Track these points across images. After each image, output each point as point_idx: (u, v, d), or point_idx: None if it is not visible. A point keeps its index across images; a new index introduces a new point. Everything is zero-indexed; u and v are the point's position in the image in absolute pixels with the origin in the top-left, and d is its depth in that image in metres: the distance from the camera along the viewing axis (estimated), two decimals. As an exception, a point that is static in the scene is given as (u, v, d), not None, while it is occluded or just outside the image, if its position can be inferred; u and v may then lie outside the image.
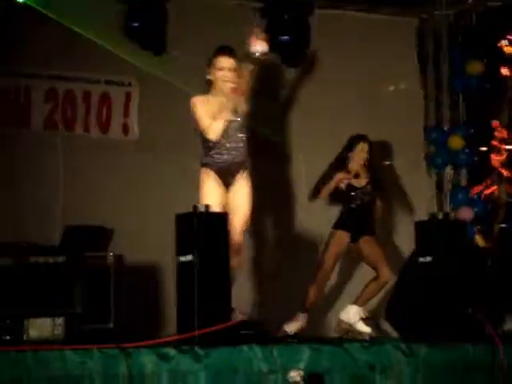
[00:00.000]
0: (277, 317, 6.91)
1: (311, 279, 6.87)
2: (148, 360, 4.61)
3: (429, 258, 5.31)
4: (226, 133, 5.70)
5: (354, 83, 8.39)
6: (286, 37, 7.99)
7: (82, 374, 4.53)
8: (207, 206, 5.07)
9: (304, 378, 4.52)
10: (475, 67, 8.52)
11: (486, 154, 8.56)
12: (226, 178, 5.77)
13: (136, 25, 7.56)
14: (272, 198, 7.72)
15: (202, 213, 5.05)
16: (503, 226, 8.31)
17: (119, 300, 5.96)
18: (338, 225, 6.89)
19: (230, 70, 5.68)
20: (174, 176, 7.43)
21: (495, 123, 8.50)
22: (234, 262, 5.65)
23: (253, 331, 5.15)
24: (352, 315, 6.58)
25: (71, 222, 6.45)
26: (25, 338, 4.92)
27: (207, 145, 5.74)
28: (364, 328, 6.50)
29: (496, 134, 8.54)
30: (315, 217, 7.86)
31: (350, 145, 7.08)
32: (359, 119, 8.25)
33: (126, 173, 7.49)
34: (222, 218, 5.08)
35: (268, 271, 7.83)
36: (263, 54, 5.71)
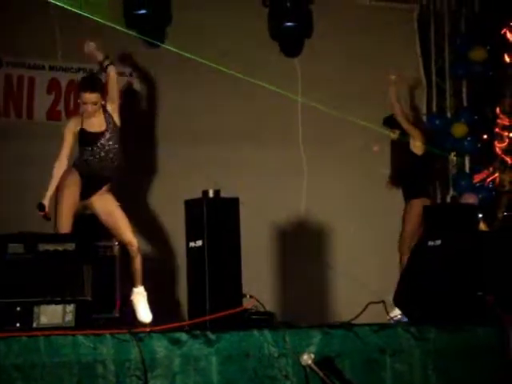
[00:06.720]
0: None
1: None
2: (160, 345, 4.61)
3: (438, 242, 5.31)
4: (99, 143, 5.93)
5: (355, 70, 8.38)
6: (289, 24, 8.04)
7: (95, 359, 4.52)
8: (217, 192, 5.07)
9: (315, 362, 4.52)
10: (478, 54, 8.52)
11: (489, 142, 8.58)
12: (89, 186, 5.94)
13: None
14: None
15: (211, 198, 5.06)
16: (506, 213, 8.31)
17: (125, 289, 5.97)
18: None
19: (92, 103, 5.89)
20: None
21: (498, 110, 8.51)
22: (138, 262, 5.90)
23: (263, 316, 5.15)
24: None
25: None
26: (35, 325, 4.87)
27: (82, 148, 5.97)
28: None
29: (499, 121, 8.55)
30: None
31: None
32: (361, 103, 8.25)
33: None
34: (233, 203, 5.07)
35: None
36: None
